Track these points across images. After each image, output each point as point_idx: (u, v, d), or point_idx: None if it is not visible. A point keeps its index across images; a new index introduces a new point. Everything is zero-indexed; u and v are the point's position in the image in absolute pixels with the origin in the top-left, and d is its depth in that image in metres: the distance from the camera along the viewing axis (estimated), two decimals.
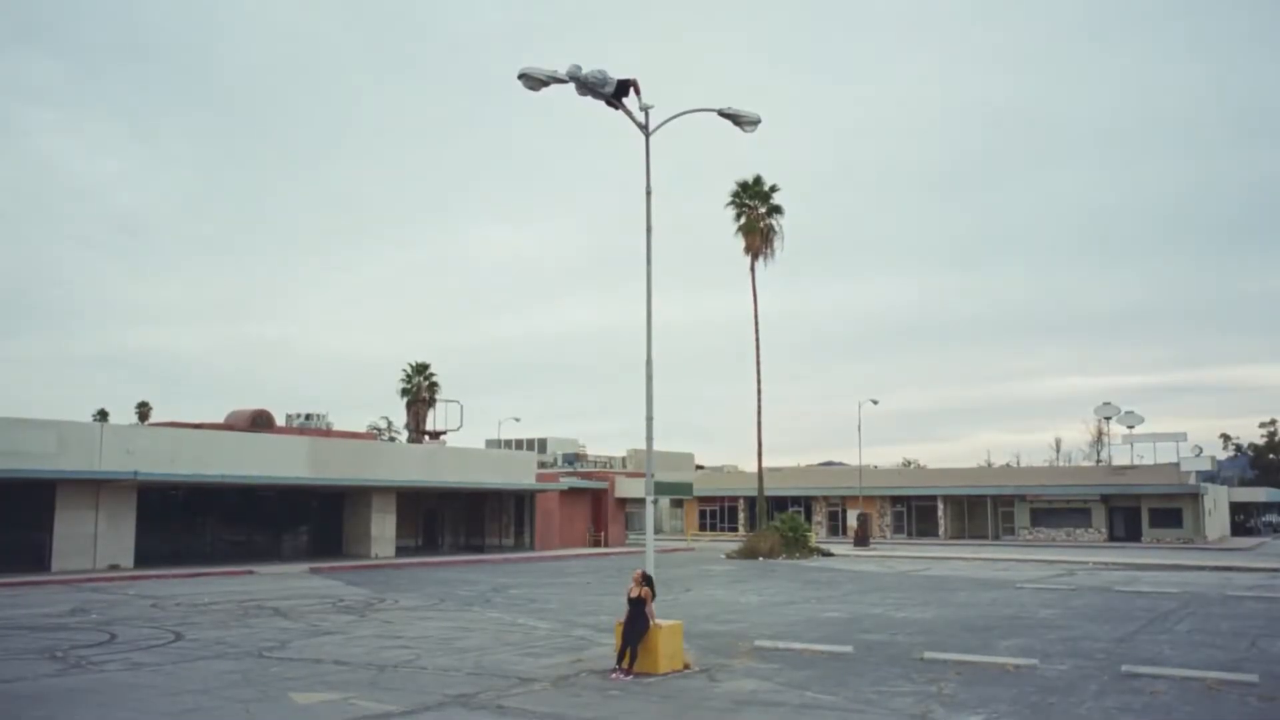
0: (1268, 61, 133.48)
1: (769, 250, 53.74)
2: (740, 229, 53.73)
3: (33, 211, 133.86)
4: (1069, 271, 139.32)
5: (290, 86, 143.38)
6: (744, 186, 54.08)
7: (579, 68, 15.34)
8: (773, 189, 53.99)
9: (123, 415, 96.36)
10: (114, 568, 33.77)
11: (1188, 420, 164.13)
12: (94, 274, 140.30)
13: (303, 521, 44.33)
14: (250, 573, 34.62)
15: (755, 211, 53.81)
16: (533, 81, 15.30)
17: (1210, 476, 70.25)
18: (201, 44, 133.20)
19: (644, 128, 16.23)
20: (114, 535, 34.35)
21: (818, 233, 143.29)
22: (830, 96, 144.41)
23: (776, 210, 54.02)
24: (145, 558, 35.19)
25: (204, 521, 40.08)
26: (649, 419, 16.65)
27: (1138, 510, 65.05)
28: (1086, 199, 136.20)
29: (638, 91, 15.91)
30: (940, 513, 70.78)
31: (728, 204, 54.12)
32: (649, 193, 16.41)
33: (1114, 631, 19.46)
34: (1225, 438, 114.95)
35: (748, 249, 53.65)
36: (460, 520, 52.82)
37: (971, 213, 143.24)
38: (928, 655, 15.84)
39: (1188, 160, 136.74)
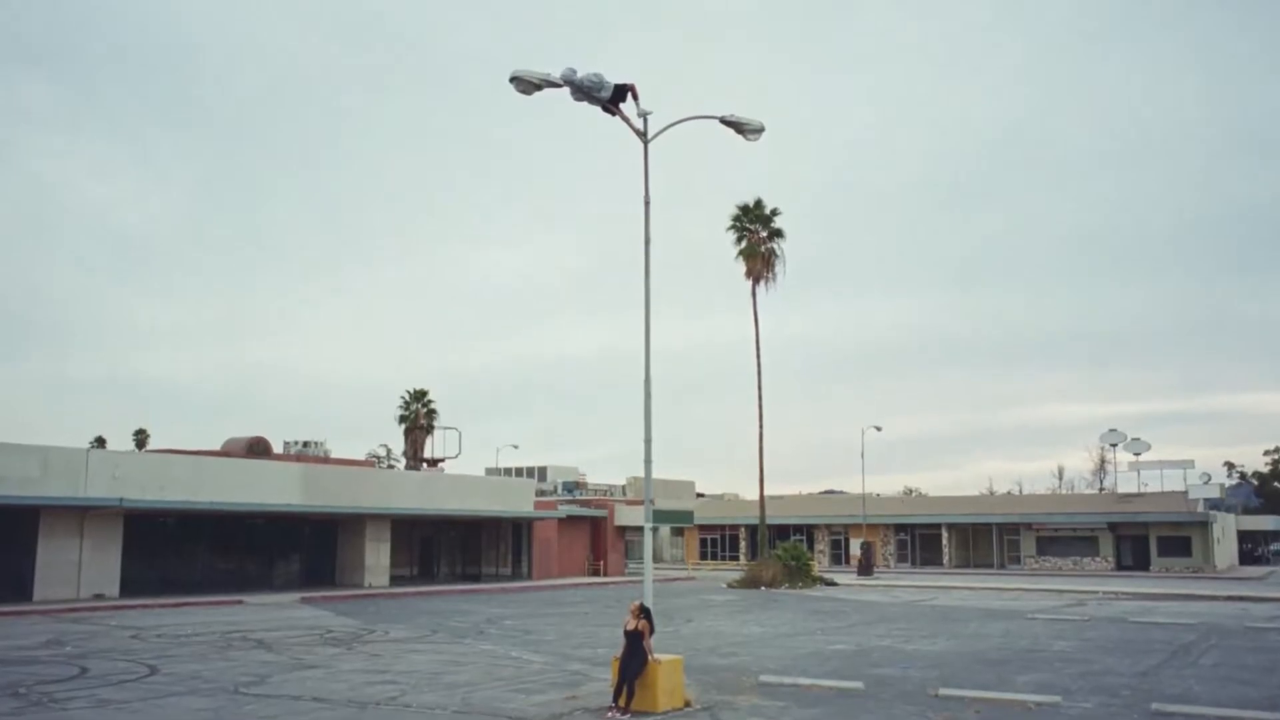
0: (1270, 83, 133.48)
1: (770, 274, 53.05)
2: (741, 253, 53.07)
3: (30, 234, 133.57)
4: (1069, 295, 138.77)
5: (289, 109, 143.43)
6: (745, 210, 53.46)
7: (573, 71, 14.65)
8: (774, 212, 53.36)
9: (120, 442, 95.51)
10: (98, 597, 32.84)
11: (1191, 448, 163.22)
12: (92, 297, 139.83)
13: (295, 550, 43.41)
14: (239, 602, 33.69)
15: (756, 235, 53.17)
16: (525, 85, 14.58)
17: (1217, 504, 69.32)
18: (199, 67, 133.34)
19: (642, 135, 15.51)
20: (99, 564, 33.42)
21: (817, 254, 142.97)
22: (827, 117, 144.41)
23: (778, 234, 53.37)
24: (131, 587, 34.25)
25: (193, 550, 39.17)
26: (647, 440, 15.83)
27: (1145, 539, 64.03)
28: (1086, 221, 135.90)
29: (635, 97, 15.20)
30: (944, 541, 69.70)
31: (728, 228, 53.48)
32: (647, 203, 15.68)
33: (1135, 665, 18.56)
34: (1229, 465, 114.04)
35: (749, 273, 52.96)
36: (457, 549, 51.87)
37: (970, 235, 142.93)
38: (943, 692, 14.95)
39: (1188, 183, 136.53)
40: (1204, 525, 62.14)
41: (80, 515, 33.00)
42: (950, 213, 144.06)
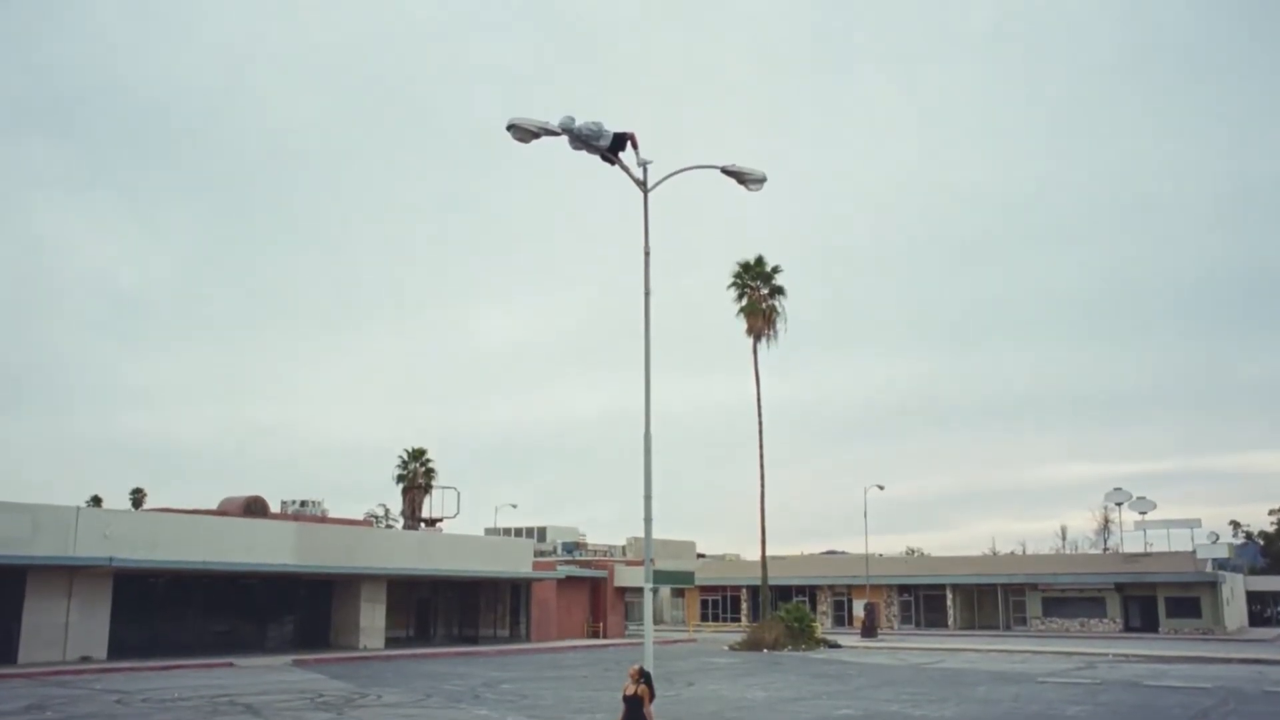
0: (1266, 144, 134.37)
1: (771, 332, 52.86)
2: (742, 310, 52.93)
3: (30, 292, 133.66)
4: (1069, 355, 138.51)
5: (289, 170, 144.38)
6: (746, 267, 53.41)
7: (572, 119, 14.43)
8: (775, 270, 53.32)
9: (117, 501, 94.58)
10: (85, 659, 32.06)
11: (1194, 507, 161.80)
12: (91, 355, 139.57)
13: (289, 611, 42.58)
14: (230, 665, 32.92)
15: (757, 293, 53.06)
16: (523, 133, 14.34)
17: (1224, 564, 68.43)
18: (201, 128, 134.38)
19: (642, 184, 15.26)
20: (87, 625, 32.68)
21: (818, 314, 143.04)
22: (826, 178, 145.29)
23: (779, 291, 53.27)
24: (120, 649, 33.46)
25: (184, 610, 38.37)
26: (647, 497, 15.39)
27: (1153, 599, 63.06)
28: (1085, 281, 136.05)
29: (635, 146, 14.98)
30: (949, 602, 68.69)
31: (729, 285, 53.42)
32: (647, 253, 15.38)
33: None
34: (1235, 525, 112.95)
35: (750, 330, 52.76)
36: (454, 610, 50.96)
37: (970, 294, 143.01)
38: None
39: (1186, 243, 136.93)
40: (1213, 585, 61.24)
41: (69, 575, 32.34)
42: (949, 273, 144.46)
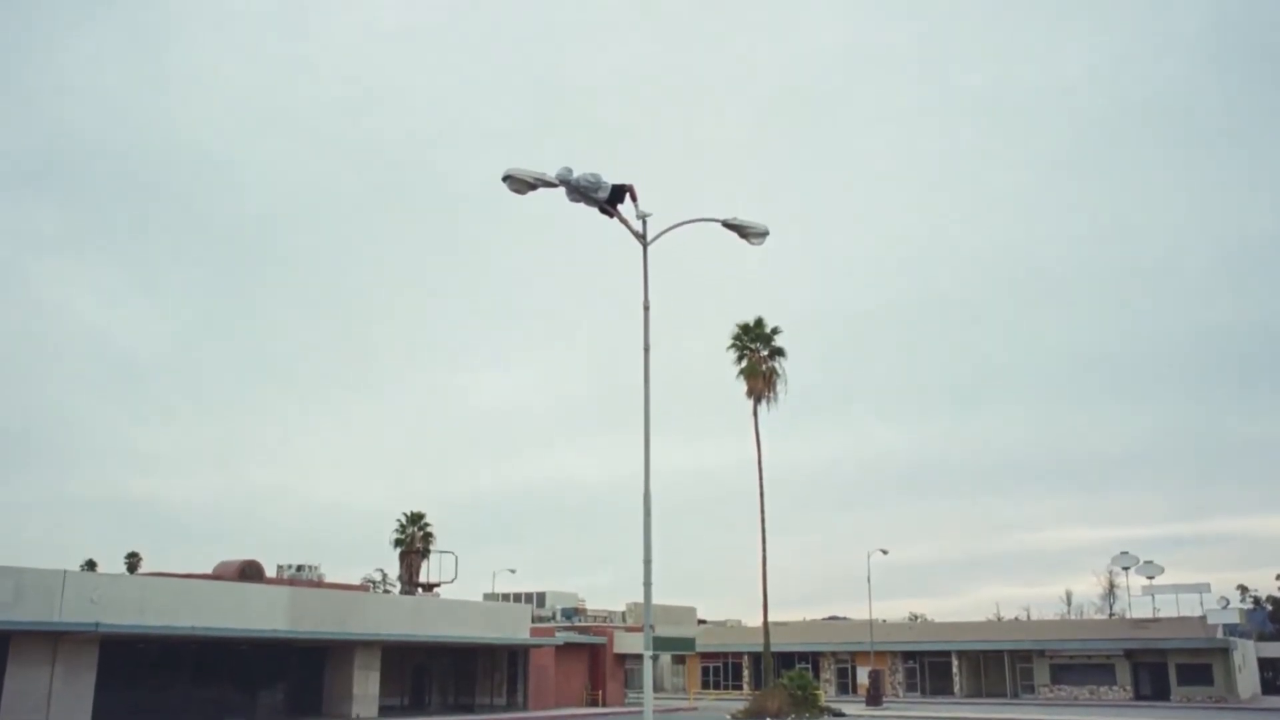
0: (1261, 202, 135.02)
1: (771, 393, 52.51)
2: (742, 372, 52.64)
3: (30, 354, 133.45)
4: (1070, 417, 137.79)
5: (290, 233, 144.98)
6: (745, 329, 53.23)
7: (569, 170, 14.14)
8: (775, 331, 53.12)
9: (113, 564, 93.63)
10: None
11: (1200, 572, 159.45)
12: (90, 419, 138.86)
13: (281, 678, 41.66)
14: None
15: (757, 354, 52.82)
16: (519, 184, 14.04)
17: (1233, 629, 67.30)
18: (202, 191, 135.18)
19: (641, 237, 14.94)
20: (71, 694, 31.77)
21: (817, 374, 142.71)
22: (824, 239, 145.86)
23: (779, 353, 53.02)
24: (105, 717, 32.54)
25: (173, 677, 37.45)
26: (647, 561, 14.86)
27: (1164, 666, 61.84)
28: (1085, 343, 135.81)
29: (634, 198, 14.68)
30: (955, 669, 67.44)
31: (729, 346, 53.20)
32: (646, 308, 15.01)
33: None
34: (1242, 589, 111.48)
35: (750, 392, 52.41)
36: (450, 677, 49.93)
37: (969, 357, 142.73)
38: None
39: (1185, 303, 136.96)
40: (1225, 652, 60.10)
41: (53, 641, 31.53)
42: (949, 335, 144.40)
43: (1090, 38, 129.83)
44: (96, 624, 31.29)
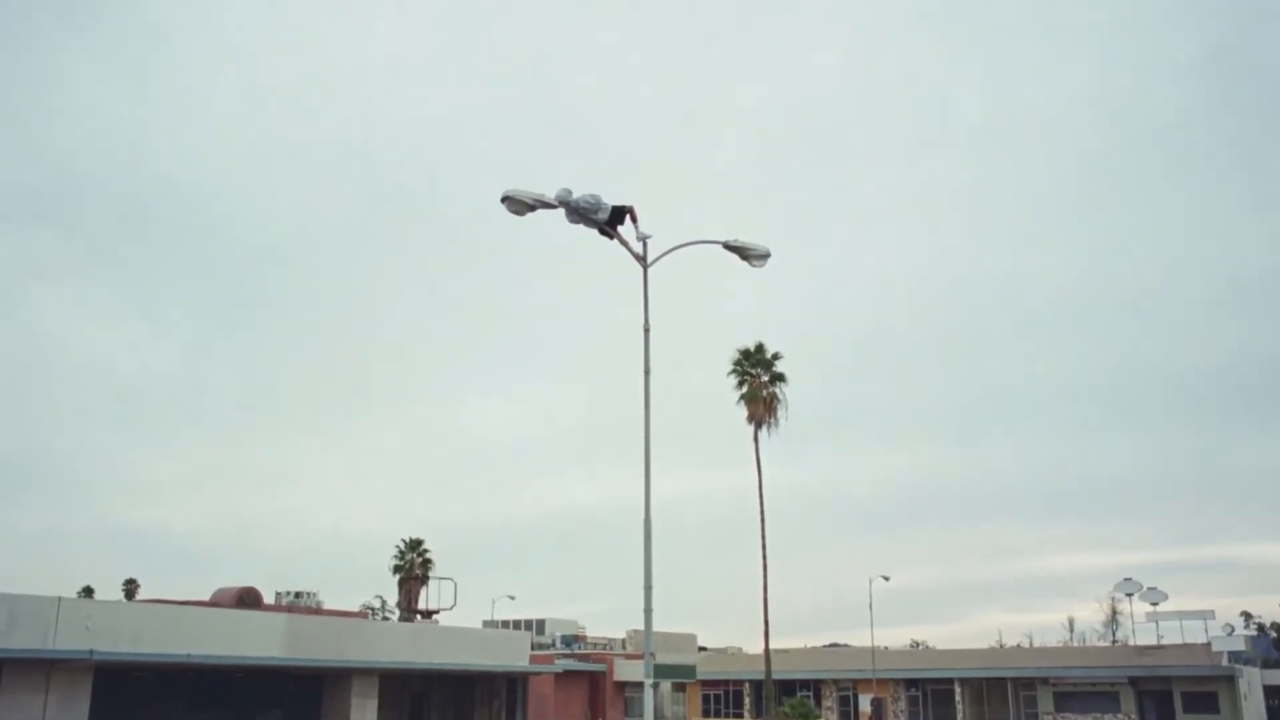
0: (1258, 234, 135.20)
1: (772, 419, 52.29)
2: (742, 398, 52.45)
3: (30, 381, 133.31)
4: (1070, 444, 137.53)
5: (289, 261, 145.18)
6: (746, 354, 53.07)
7: (569, 191, 13.98)
8: (775, 356, 52.97)
9: (110, 592, 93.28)
10: None
11: (1203, 598, 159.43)
12: (88, 446, 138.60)
13: (276, 706, 41.14)
14: None
15: (757, 380, 52.62)
16: (517, 205, 13.89)
17: (1238, 656, 66.72)
18: (202, 219, 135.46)
19: (641, 259, 14.79)
20: None
21: (818, 400, 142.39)
22: (825, 267, 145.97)
23: (780, 378, 52.82)
24: None
25: (168, 705, 36.99)
26: (647, 587, 14.62)
27: (1169, 694, 61.23)
28: (1086, 371, 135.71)
29: (634, 219, 14.54)
30: (958, 697, 66.79)
31: (729, 372, 53.03)
32: (647, 330, 14.84)
33: None
34: (1246, 616, 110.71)
35: (750, 418, 52.20)
36: (448, 705, 49.39)
37: (971, 384, 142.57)
38: None
39: (1189, 331, 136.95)
40: (1231, 680, 59.54)
41: (46, 669, 31.11)
42: (951, 362, 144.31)
43: (1088, 68, 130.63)
44: (90, 651, 30.88)
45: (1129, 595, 68.83)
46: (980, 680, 67.31)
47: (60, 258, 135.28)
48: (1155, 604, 65.82)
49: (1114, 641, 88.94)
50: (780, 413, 52.26)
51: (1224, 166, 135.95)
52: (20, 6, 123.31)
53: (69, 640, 30.97)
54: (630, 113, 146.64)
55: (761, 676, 54.07)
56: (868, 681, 66.16)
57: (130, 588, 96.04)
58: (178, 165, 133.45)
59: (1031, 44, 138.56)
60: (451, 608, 59.34)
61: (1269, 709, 75.56)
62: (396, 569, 70.80)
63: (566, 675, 53.39)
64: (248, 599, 43.58)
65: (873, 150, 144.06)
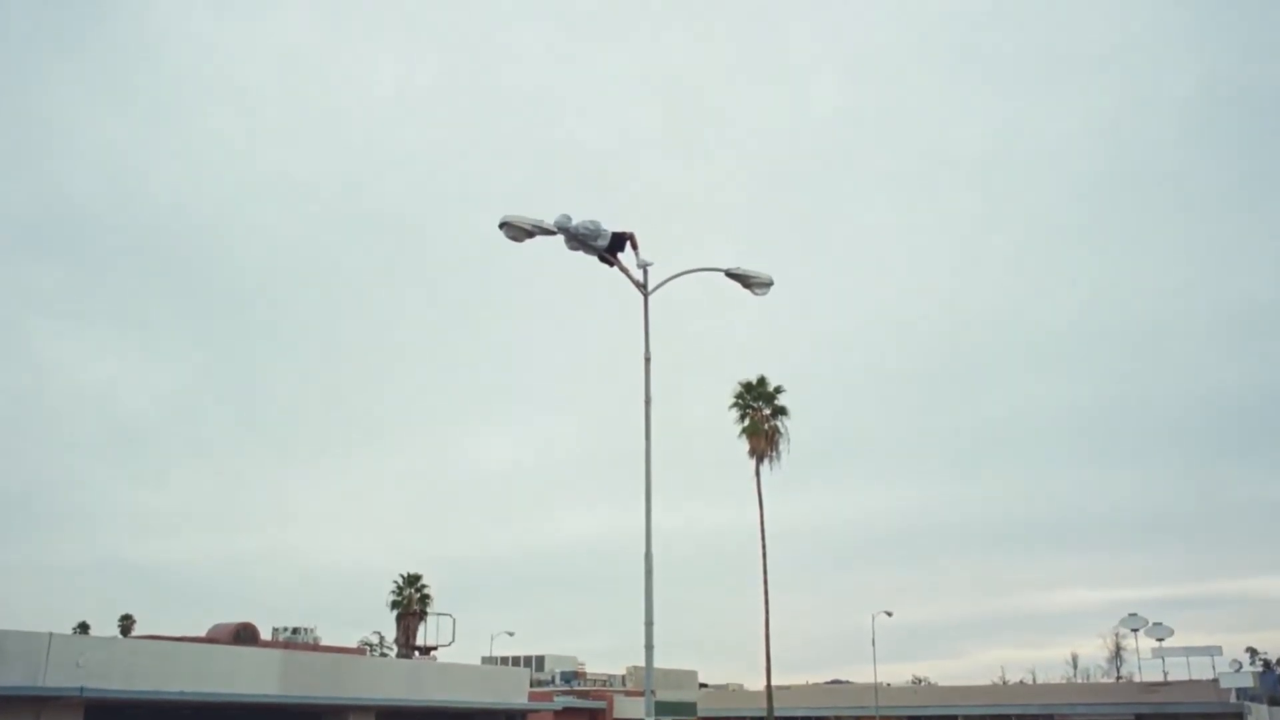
0: (1258, 266, 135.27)
1: (774, 453, 51.84)
2: (744, 431, 52.02)
3: (29, 414, 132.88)
4: (1073, 478, 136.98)
5: (288, 295, 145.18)
6: (748, 387, 52.73)
7: (569, 217, 13.77)
8: (777, 390, 52.63)
9: (106, 628, 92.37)
10: None
11: (1207, 634, 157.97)
12: (86, 480, 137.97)
13: None
14: None
15: (759, 413, 52.25)
16: (516, 231, 13.66)
17: (1245, 693, 65.91)
18: (202, 253, 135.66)
19: (642, 287, 14.53)
20: None
21: (820, 435, 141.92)
22: (826, 302, 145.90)
23: (781, 411, 52.44)
24: None
25: None
26: (648, 623, 14.25)
27: None
28: (1088, 405, 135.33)
29: (635, 246, 14.30)
30: None
31: (731, 405, 52.65)
32: (648, 359, 14.56)
33: None
34: (1252, 651, 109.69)
35: (752, 451, 51.75)
36: None
37: (972, 418, 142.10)
38: None
39: (1189, 366, 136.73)
40: (1238, 717, 58.78)
41: (36, 707, 30.54)
42: (952, 397, 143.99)
43: (1085, 103, 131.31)
44: (81, 689, 30.35)
45: (1134, 631, 68.14)
46: (984, 718, 66.48)
47: (59, 290, 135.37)
48: (1161, 639, 65.12)
49: (1119, 678, 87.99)
50: (782, 446, 51.90)
51: (1228, 200, 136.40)
52: (24, 41, 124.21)
53: (60, 677, 30.44)
54: (628, 145, 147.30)
55: (763, 714, 53.33)
56: (870, 718, 65.36)
57: (126, 624, 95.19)
58: (178, 198, 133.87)
59: (1030, 80, 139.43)
60: (450, 644, 58.70)
61: None
62: (394, 604, 70.10)
63: (566, 712, 52.65)
64: (244, 635, 43.04)
65: (871, 185, 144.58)
